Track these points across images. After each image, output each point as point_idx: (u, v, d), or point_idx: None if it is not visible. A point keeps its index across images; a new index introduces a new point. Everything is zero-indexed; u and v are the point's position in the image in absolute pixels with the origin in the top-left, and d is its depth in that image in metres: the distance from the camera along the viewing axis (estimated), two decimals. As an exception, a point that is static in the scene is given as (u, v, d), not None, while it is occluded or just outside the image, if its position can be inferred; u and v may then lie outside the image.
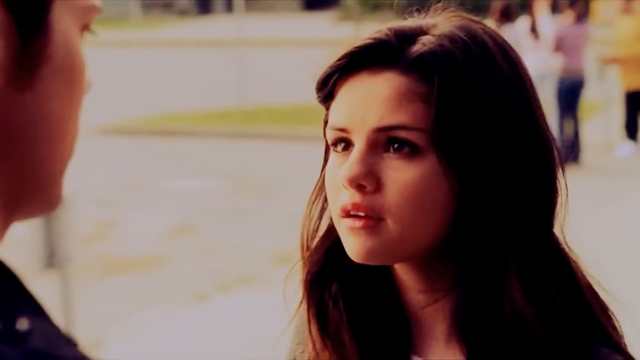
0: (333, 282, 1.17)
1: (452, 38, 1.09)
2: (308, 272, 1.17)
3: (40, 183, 0.70)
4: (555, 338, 1.08)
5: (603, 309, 1.13)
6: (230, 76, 14.50)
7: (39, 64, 0.67)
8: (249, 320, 5.66)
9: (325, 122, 1.13)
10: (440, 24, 1.12)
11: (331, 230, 1.15)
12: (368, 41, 1.10)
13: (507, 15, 9.42)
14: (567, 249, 1.13)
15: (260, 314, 5.65)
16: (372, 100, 1.08)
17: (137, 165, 10.79)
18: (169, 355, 5.26)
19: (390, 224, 1.07)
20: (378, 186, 1.07)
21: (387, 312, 1.16)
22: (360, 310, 1.16)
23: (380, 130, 1.08)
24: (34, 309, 0.64)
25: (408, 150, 1.07)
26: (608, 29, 11.72)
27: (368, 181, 1.07)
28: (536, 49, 9.76)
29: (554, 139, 1.13)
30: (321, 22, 27.93)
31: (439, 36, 1.09)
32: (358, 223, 1.07)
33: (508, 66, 1.10)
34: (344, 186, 1.08)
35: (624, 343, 1.13)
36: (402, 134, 1.07)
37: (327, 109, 1.13)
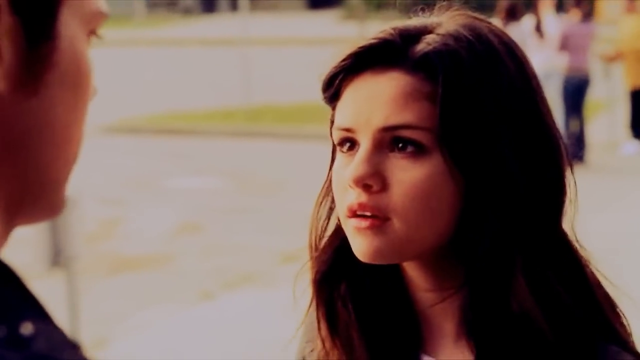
0: (342, 282, 1.17)
1: (457, 37, 1.08)
2: (317, 272, 1.17)
3: (44, 188, 0.70)
4: (563, 336, 1.08)
5: (612, 306, 1.13)
6: (235, 75, 14.51)
7: (46, 70, 0.67)
8: (253, 319, 5.66)
9: (332, 123, 1.13)
10: (445, 22, 1.12)
11: (339, 230, 1.15)
12: (372, 41, 1.10)
13: (513, 14, 9.42)
14: (576, 247, 1.13)
15: (265, 312, 5.66)
16: (377, 100, 1.08)
17: (142, 164, 10.80)
18: (174, 354, 5.27)
19: (397, 223, 1.07)
20: (384, 186, 1.07)
21: (396, 310, 1.16)
22: (369, 309, 1.17)
23: (386, 129, 1.07)
24: (38, 312, 0.63)
25: (413, 149, 1.07)
26: (613, 28, 11.70)
27: (374, 181, 1.07)
28: (541, 48, 9.75)
29: (561, 136, 1.13)
30: (325, 21, 27.94)
31: (443, 35, 1.09)
32: (364, 223, 1.07)
33: (514, 65, 1.10)
34: (350, 186, 1.08)
35: (632, 341, 1.13)
36: (408, 133, 1.07)
37: (333, 109, 1.13)
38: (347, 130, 1.10)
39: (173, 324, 5.76)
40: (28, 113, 0.67)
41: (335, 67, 1.11)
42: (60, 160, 0.70)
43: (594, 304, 1.11)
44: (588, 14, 10.27)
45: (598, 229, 5.34)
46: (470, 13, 1.14)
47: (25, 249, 3.65)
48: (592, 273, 1.13)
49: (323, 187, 1.18)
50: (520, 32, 9.12)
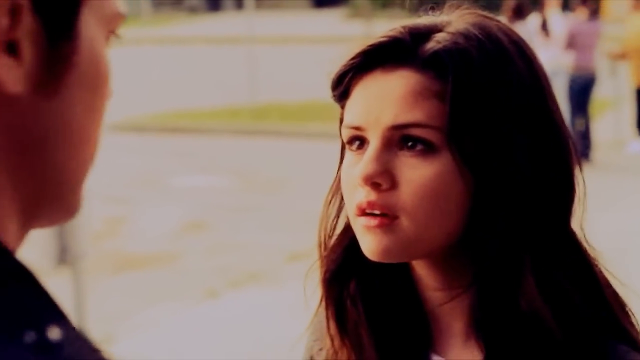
0: (351, 281, 1.17)
1: (466, 35, 1.08)
2: (326, 271, 1.17)
3: (61, 189, 0.69)
4: (572, 335, 1.07)
5: (621, 306, 1.13)
6: (240, 73, 14.50)
7: (66, 70, 0.66)
8: (259, 317, 5.66)
9: (341, 121, 1.13)
10: (454, 21, 1.11)
11: (348, 228, 1.15)
12: (382, 39, 1.10)
13: (519, 13, 9.41)
14: (585, 246, 1.13)
15: (271, 310, 5.66)
16: (386, 98, 1.08)
17: (147, 162, 10.80)
18: (179, 352, 5.27)
19: (405, 222, 1.07)
20: (393, 184, 1.07)
21: (405, 309, 1.16)
22: (379, 308, 1.17)
23: (395, 128, 1.07)
24: (60, 315, 0.63)
25: (423, 148, 1.07)
26: (619, 26, 11.68)
27: (383, 179, 1.07)
28: (547, 46, 9.74)
29: (570, 135, 1.13)
30: (331, 20, 27.92)
31: (453, 33, 1.09)
32: (373, 221, 1.07)
33: (523, 63, 1.10)
34: (359, 184, 1.08)
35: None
36: (417, 131, 1.07)
37: (343, 107, 1.13)
38: (357, 128, 1.10)
39: (178, 323, 5.76)
40: (47, 114, 0.66)
41: (345, 65, 1.11)
42: (78, 162, 0.69)
43: (603, 303, 1.11)
44: (594, 13, 10.25)
45: (604, 228, 5.33)
46: (479, 12, 1.14)
47: (32, 247, 3.66)
48: (601, 272, 1.13)
49: (332, 186, 1.18)
50: (527, 30, 9.11)
